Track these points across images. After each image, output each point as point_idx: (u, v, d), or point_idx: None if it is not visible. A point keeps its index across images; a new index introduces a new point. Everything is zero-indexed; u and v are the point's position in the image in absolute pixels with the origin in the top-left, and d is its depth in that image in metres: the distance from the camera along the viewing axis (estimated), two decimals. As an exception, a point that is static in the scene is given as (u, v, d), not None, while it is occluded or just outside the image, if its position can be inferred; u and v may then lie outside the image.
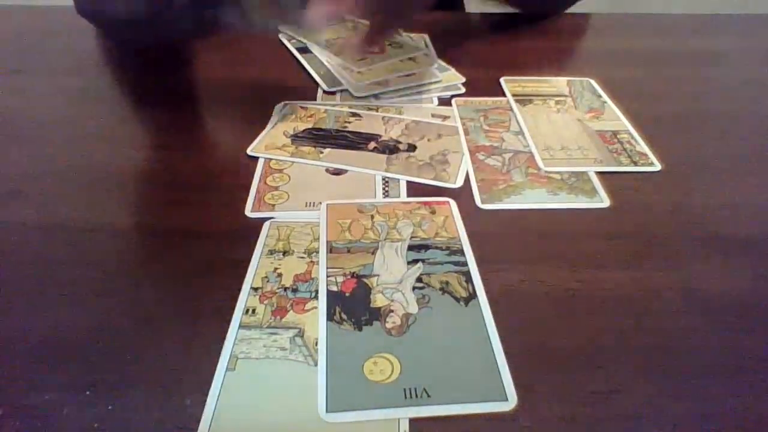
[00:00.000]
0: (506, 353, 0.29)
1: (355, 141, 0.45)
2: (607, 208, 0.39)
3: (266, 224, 0.37)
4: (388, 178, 0.41)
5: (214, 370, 0.28)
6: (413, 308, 0.31)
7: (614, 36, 0.67)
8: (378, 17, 0.49)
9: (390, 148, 0.44)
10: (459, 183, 0.41)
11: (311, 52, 0.58)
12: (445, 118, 0.49)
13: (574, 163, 0.43)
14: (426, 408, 0.26)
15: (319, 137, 0.46)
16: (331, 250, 0.35)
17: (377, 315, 0.31)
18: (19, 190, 0.40)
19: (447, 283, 0.33)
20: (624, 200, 0.40)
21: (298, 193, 0.40)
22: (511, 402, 0.27)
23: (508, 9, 0.69)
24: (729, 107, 0.52)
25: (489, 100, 0.51)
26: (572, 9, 0.70)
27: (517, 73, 0.55)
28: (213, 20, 0.39)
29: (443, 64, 0.56)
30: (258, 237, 0.36)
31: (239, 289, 0.32)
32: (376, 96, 0.51)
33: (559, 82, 0.54)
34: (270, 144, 0.45)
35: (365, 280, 0.33)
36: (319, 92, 0.53)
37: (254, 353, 0.29)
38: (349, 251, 0.35)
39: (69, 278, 0.33)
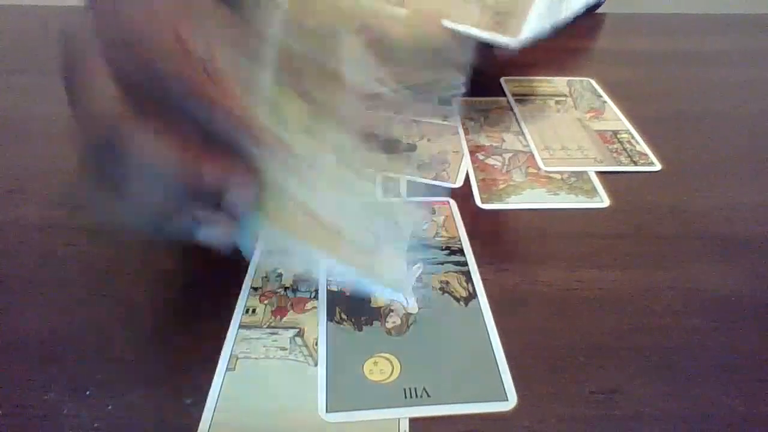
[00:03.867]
0: (506, 353, 0.29)
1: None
2: (606, 208, 0.39)
3: (266, 224, 0.37)
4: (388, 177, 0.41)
5: (214, 369, 0.28)
6: (413, 308, 0.31)
7: (614, 36, 0.67)
8: None
9: (390, 148, 0.44)
10: (459, 183, 0.41)
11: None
12: (445, 117, 0.49)
13: (574, 162, 0.43)
14: (426, 408, 0.26)
15: (319, 137, 0.46)
16: (331, 250, 0.35)
17: (377, 315, 0.31)
18: (19, 189, 0.40)
19: (447, 283, 0.33)
20: (624, 200, 0.40)
21: (298, 193, 0.40)
22: (511, 402, 0.27)
23: None
24: (729, 107, 0.52)
25: (489, 100, 0.51)
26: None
27: (517, 73, 0.55)
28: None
29: (443, 64, 0.55)
30: (258, 237, 0.36)
31: (239, 289, 0.32)
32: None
33: (559, 82, 0.54)
34: (270, 144, 0.45)
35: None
36: (319, 92, 0.52)
37: (254, 353, 0.29)
38: (349, 251, 0.35)
39: (69, 278, 0.33)
